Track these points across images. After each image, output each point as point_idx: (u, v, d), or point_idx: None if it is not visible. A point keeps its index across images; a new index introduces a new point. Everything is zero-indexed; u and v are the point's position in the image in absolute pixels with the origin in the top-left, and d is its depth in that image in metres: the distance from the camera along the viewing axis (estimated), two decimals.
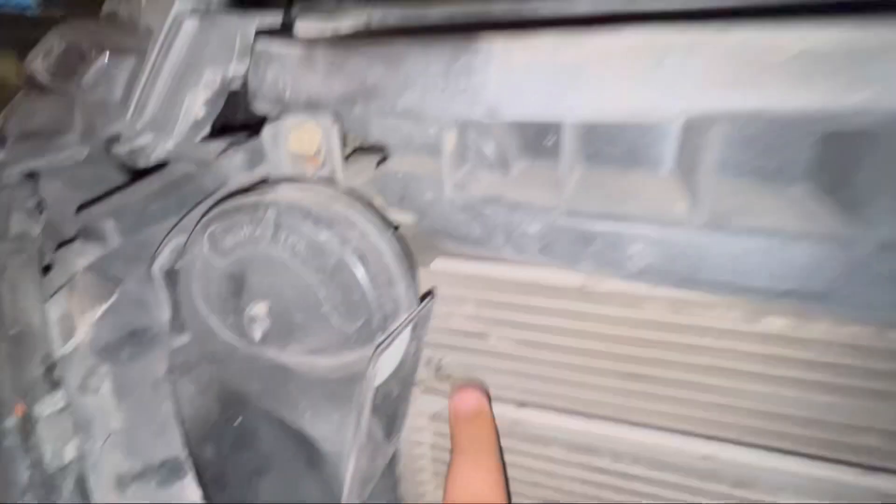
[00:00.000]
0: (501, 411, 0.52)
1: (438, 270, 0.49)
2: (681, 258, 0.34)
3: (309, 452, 0.63)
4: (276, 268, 0.38)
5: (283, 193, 0.38)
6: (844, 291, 0.31)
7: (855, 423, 0.42)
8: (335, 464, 0.63)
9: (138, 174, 0.53)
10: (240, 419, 0.58)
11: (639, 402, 0.48)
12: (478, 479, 0.42)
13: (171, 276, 0.46)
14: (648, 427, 0.48)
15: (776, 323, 0.42)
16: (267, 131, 0.45)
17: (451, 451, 0.47)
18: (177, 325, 0.49)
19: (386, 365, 0.41)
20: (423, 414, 0.55)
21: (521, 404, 0.52)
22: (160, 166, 0.56)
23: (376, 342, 0.37)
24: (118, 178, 0.61)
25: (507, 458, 0.53)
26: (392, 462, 0.58)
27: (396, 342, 0.38)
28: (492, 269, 0.48)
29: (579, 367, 0.49)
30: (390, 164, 0.45)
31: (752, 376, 0.44)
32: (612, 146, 0.44)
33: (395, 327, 0.37)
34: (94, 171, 0.56)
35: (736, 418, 0.46)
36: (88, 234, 0.46)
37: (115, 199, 0.49)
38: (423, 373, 0.55)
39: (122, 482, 0.34)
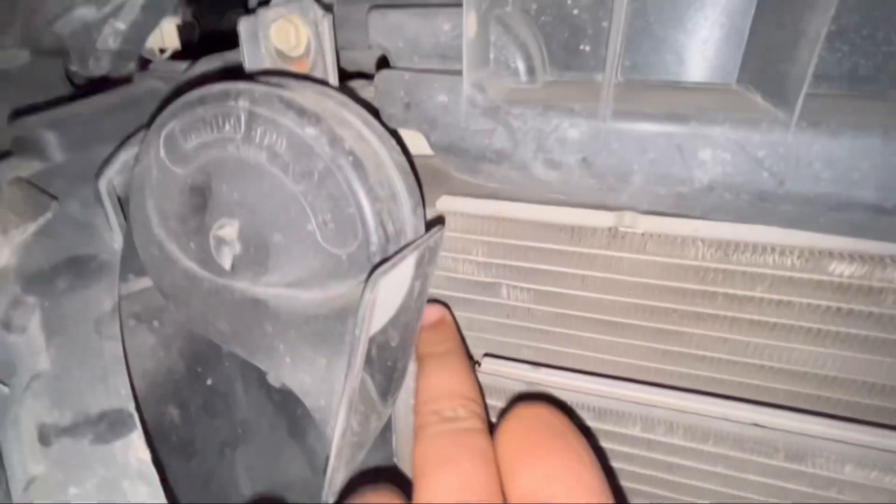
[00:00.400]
0: (514, 373, 0.45)
1: (444, 210, 0.42)
2: (765, 164, 0.27)
3: (291, 420, 0.56)
4: (250, 175, 0.30)
5: (259, 82, 0.30)
6: None
7: None
8: (320, 431, 0.56)
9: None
10: (209, 381, 0.51)
11: (677, 362, 0.41)
12: (445, 377, 0.37)
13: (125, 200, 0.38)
14: (687, 391, 0.41)
15: (842, 270, 0.36)
16: (244, 25, 0.37)
17: (416, 361, 0.41)
18: (132, 262, 0.41)
19: (384, 305, 0.34)
20: None
21: (537, 366, 0.45)
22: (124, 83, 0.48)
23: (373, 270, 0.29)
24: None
25: None
26: (386, 430, 0.51)
27: (398, 273, 0.31)
28: (506, 209, 0.41)
29: (607, 324, 0.42)
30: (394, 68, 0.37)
31: (811, 334, 0.38)
32: (658, 55, 0.37)
33: (398, 252, 0.29)
34: (39, 80, 0.47)
35: (791, 382, 0.39)
36: (24, 146, 0.38)
37: (60, 111, 0.41)
38: None
39: (45, 436, 0.27)
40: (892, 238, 0.28)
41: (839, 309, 0.36)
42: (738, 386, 0.40)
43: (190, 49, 0.52)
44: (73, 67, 0.49)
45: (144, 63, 0.55)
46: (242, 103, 0.29)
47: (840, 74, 0.32)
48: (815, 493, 0.39)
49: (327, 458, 0.31)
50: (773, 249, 0.36)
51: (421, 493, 0.31)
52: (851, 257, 0.35)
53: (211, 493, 0.51)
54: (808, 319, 0.37)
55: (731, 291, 0.38)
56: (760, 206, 0.29)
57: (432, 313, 0.44)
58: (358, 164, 0.29)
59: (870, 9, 0.30)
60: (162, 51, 0.50)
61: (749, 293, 0.37)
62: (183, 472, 0.46)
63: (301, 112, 0.28)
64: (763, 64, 0.30)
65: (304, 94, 0.30)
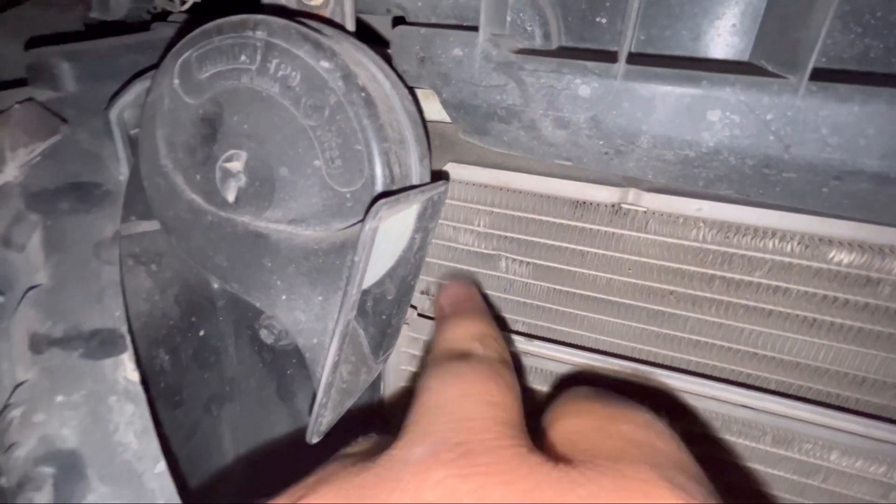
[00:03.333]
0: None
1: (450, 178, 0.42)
2: (772, 128, 0.27)
3: (280, 380, 0.56)
4: (261, 107, 0.30)
5: (277, 18, 0.31)
6: None
7: None
8: (308, 393, 0.56)
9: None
10: (202, 332, 0.50)
11: (671, 346, 0.41)
12: (465, 322, 0.34)
13: (134, 136, 0.38)
14: (677, 370, 0.41)
15: (842, 258, 0.36)
16: None
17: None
18: (136, 203, 0.41)
19: (383, 251, 0.34)
20: (417, 341, 0.47)
21: (531, 337, 0.45)
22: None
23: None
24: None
25: None
26: (374, 394, 0.51)
27: (400, 215, 0.31)
28: (512, 179, 0.41)
29: (604, 303, 0.42)
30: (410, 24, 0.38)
31: (806, 323, 0.38)
32: (674, 30, 0.37)
33: (403, 192, 0.29)
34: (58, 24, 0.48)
35: (783, 372, 0.39)
36: (38, 74, 0.39)
37: (77, 45, 0.41)
38: (420, 302, 0.48)
39: (36, 344, 0.27)
40: (891, 215, 0.28)
41: (836, 299, 0.36)
42: (731, 373, 0.40)
43: (211, 2, 0.52)
44: (93, 13, 0.50)
45: (163, 15, 0.55)
46: (260, 34, 0.29)
47: (852, 56, 0.32)
48: (800, 480, 0.39)
49: (314, 397, 0.31)
50: (773, 234, 0.36)
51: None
52: (851, 246, 0.35)
53: (194, 446, 0.51)
54: (804, 308, 0.37)
55: (729, 275, 0.38)
56: (764, 173, 0.29)
57: (461, 286, 0.42)
58: (369, 102, 0.29)
59: None
60: (182, 1, 0.50)
61: (747, 278, 0.38)
62: (168, 420, 0.46)
63: (317, 45, 0.29)
64: (777, 37, 0.30)
65: (321, 31, 0.31)
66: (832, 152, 0.26)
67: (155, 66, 0.37)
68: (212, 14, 0.41)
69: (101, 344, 0.28)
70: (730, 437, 0.40)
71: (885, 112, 0.25)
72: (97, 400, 0.26)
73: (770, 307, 0.38)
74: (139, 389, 0.28)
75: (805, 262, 0.36)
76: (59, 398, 0.25)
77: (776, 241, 0.37)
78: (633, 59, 0.33)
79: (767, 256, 0.37)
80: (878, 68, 0.32)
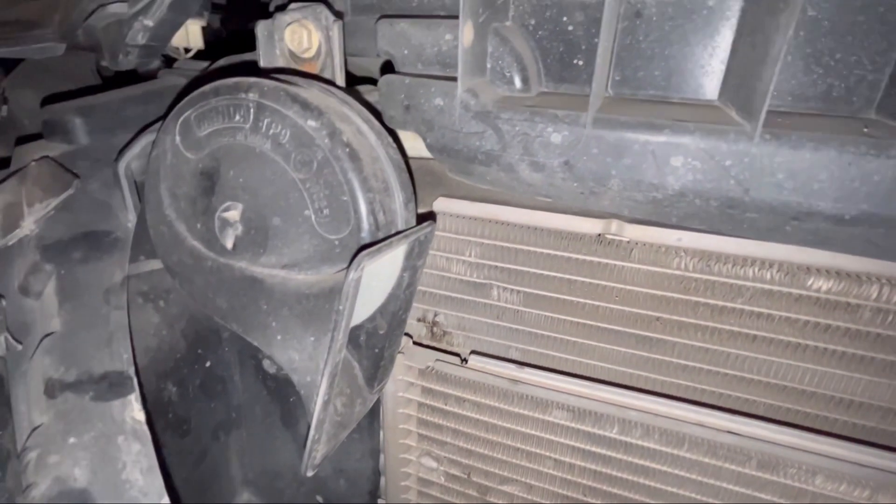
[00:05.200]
0: (499, 371, 0.46)
1: (440, 210, 0.44)
2: (731, 173, 0.28)
3: (284, 408, 0.58)
4: (255, 162, 0.33)
5: (269, 79, 0.33)
6: None
7: None
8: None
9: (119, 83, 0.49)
10: (208, 363, 0.53)
11: (658, 370, 0.42)
12: None
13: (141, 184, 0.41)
14: (665, 396, 0.42)
15: (820, 285, 0.37)
16: (261, 27, 0.40)
17: None
18: (143, 244, 0.43)
19: (372, 291, 0.36)
20: (413, 369, 0.49)
21: (522, 365, 0.46)
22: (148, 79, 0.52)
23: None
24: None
25: (504, 423, 0.48)
26: (374, 422, 0.53)
27: (385, 259, 0.33)
28: (499, 212, 0.43)
29: (592, 329, 0.43)
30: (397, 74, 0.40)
31: (790, 347, 0.39)
32: (647, 71, 0.39)
33: (386, 240, 0.32)
34: (73, 73, 0.51)
35: (770, 396, 0.40)
36: (52, 129, 0.42)
37: (88, 99, 0.44)
38: (416, 329, 0.50)
39: (51, 389, 0.29)
40: (855, 249, 0.30)
41: (818, 324, 0.37)
42: (718, 397, 0.41)
43: (215, 50, 0.55)
44: (104, 62, 0.53)
45: (170, 62, 0.58)
46: (252, 95, 0.32)
47: (815, 95, 0.34)
48: (786, 503, 0.40)
49: (308, 430, 0.32)
50: (753, 262, 0.37)
51: None
52: (829, 273, 0.36)
53: (202, 472, 0.53)
54: (787, 333, 0.38)
55: (712, 301, 0.39)
56: (729, 213, 0.30)
57: None
58: (354, 156, 0.31)
59: (843, 34, 0.31)
60: (187, 50, 0.53)
61: (730, 304, 0.39)
62: (176, 449, 0.48)
63: (305, 105, 0.31)
64: (739, 81, 0.32)
65: (310, 91, 0.33)
66: (789, 195, 0.28)
67: (161, 118, 0.40)
68: (220, 57, 0.44)
69: (110, 386, 0.30)
70: (716, 461, 0.41)
71: (835, 158, 0.26)
72: (107, 440, 0.28)
73: (754, 332, 0.39)
74: (145, 429, 0.30)
75: (785, 289, 0.37)
76: (72, 440, 0.27)
77: (756, 269, 0.38)
78: (607, 103, 0.35)
79: (748, 283, 0.38)
80: (840, 106, 0.33)
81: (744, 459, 0.40)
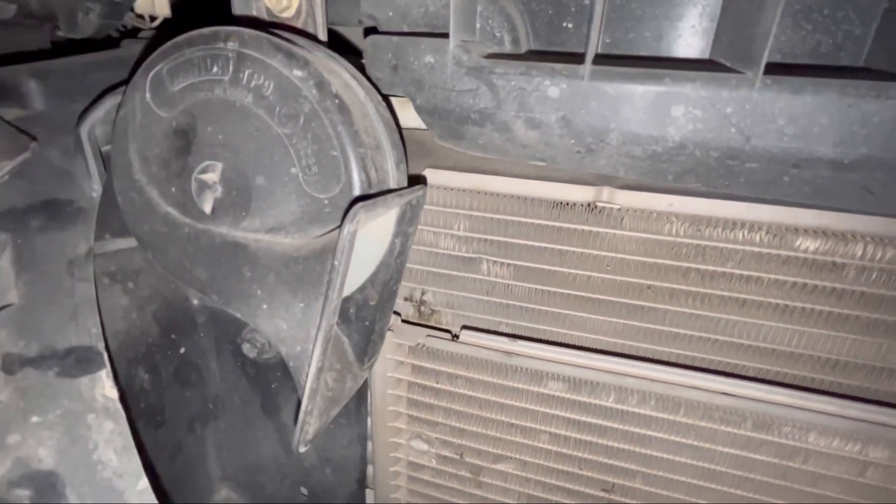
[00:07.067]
0: (492, 344, 0.45)
1: (427, 183, 0.42)
2: (732, 120, 0.28)
3: (265, 395, 0.55)
4: (235, 117, 0.30)
5: (248, 29, 0.31)
6: None
7: (888, 365, 0.37)
8: (294, 406, 0.55)
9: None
10: (182, 350, 0.49)
11: (651, 339, 0.42)
12: None
13: (105, 152, 0.38)
14: (659, 362, 0.42)
15: (808, 245, 0.37)
16: None
17: None
18: (109, 221, 0.40)
19: (364, 257, 0.34)
20: (402, 347, 0.47)
21: (514, 337, 0.45)
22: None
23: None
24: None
25: (498, 398, 0.46)
26: (361, 406, 0.51)
27: (380, 223, 0.31)
28: (488, 182, 0.42)
29: (584, 300, 0.42)
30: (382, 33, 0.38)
31: (778, 310, 0.39)
32: (637, 32, 0.38)
33: (381, 195, 0.30)
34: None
35: (760, 359, 0.40)
36: (5, 93, 0.38)
37: (45, 62, 0.41)
38: (403, 309, 0.48)
39: (9, 364, 0.26)
40: (849, 200, 0.30)
41: (805, 285, 0.38)
42: (710, 363, 0.41)
43: (182, 19, 0.52)
44: (61, 31, 0.49)
45: (133, 32, 0.55)
46: (231, 45, 0.29)
47: (804, 51, 0.34)
48: (781, 463, 0.40)
49: (298, 406, 0.30)
50: (742, 225, 0.37)
51: None
52: (815, 233, 0.36)
53: (177, 468, 0.50)
54: (775, 295, 0.38)
55: (703, 267, 0.39)
56: (729, 165, 0.30)
57: None
58: (344, 109, 0.29)
59: None
60: (152, 18, 0.50)
61: (720, 269, 0.39)
62: (150, 441, 0.45)
63: (290, 55, 0.29)
64: (732, 36, 0.32)
65: (293, 41, 0.31)
66: (789, 142, 0.28)
67: (126, 82, 0.37)
68: (183, 31, 0.41)
69: (76, 362, 0.27)
70: (712, 424, 0.41)
71: (835, 101, 0.26)
72: (75, 418, 0.25)
73: (744, 296, 0.39)
74: (118, 406, 0.27)
75: (774, 251, 0.37)
76: (35, 418, 0.25)
77: (745, 232, 0.38)
78: (599, 59, 0.34)
79: (738, 247, 0.38)
80: (829, 62, 0.34)
81: (739, 421, 0.40)
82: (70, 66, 0.41)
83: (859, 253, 0.36)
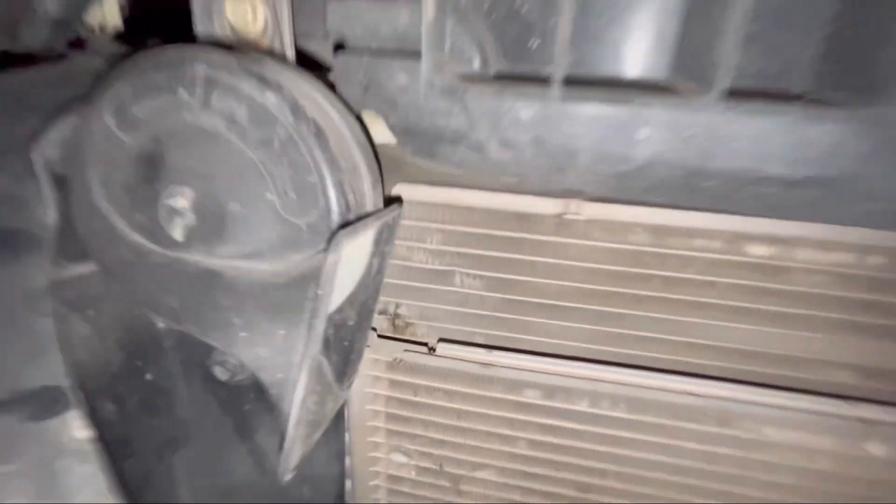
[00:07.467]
0: (468, 356, 0.46)
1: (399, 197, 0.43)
2: (693, 142, 0.30)
3: (237, 417, 0.54)
4: (205, 142, 0.29)
5: (217, 50, 0.30)
6: (866, 172, 0.29)
7: (833, 359, 0.41)
8: (269, 428, 0.54)
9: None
10: (148, 376, 0.47)
11: (619, 344, 0.44)
12: None
13: (61, 176, 0.36)
14: (629, 367, 0.44)
15: (758, 251, 0.40)
16: (197, 1, 0.37)
17: None
18: (66, 246, 0.38)
19: (343, 279, 0.34)
20: (379, 362, 0.47)
21: (490, 349, 0.46)
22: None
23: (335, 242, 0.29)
24: None
25: (476, 408, 0.47)
26: (339, 422, 0.51)
27: (359, 242, 0.31)
28: (460, 196, 0.42)
29: (555, 308, 0.44)
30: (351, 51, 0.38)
31: (734, 311, 0.42)
32: (599, 52, 0.40)
33: (360, 220, 0.30)
34: None
35: (720, 358, 0.43)
36: None
37: None
38: (378, 322, 0.48)
39: None
40: (802, 213, 0.32)
41: (756, 287, 0.41)
42: (674, 364, 0.44)
43: (135, 31, 0.50)
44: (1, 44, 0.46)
45: (80, 43, 0.52)
46: (200, 68, 0.28)
47: (751, 74, 0.36)
48: (744, 455, 0.43)
49: (282, 435, 0.30)
50: (700, 234, 0.40)
51: None
52: (764, 239, 0.39)
53: (146, 498, 0.48)
54: (731, 298, 0.41)
55: (665, 273, 0.41)
56: (690, 182, 0.32)
57: None
58: (320, 133, 0.29)
59: (778, 15, 0.34)
60: (102, 29, 0.48)
61: (681, 275, 0.41)
62: (117, 473, 0.43)
63: (262, 79, 0.29)
64: (690, 60, 0.34)
65: (264, 63, 0.30)
66: (744, 161, 0.30)
67: (82, 101, 0.35)
68: (138, 46, 0.39)
69: (46, 404, 0.26)
70: (678, 422, 0.43)
71: (787, 125, 0.28)
72: (45, 466, 0.24)
73: (703, 300, 0.42)
74: (90, 448, 0.26)
75: (729, 257, 0.40)
76: (3, 468, 0.23)
77: (703, 240, 0.40)
78: (569, 82, 0.35)
79: (697, 254, 0.40)
80: (777, 83, 0.36)
81: (703, 418, 0.43)
82: (13, 84, 0.39)
83: (805, 257, 0.39)
